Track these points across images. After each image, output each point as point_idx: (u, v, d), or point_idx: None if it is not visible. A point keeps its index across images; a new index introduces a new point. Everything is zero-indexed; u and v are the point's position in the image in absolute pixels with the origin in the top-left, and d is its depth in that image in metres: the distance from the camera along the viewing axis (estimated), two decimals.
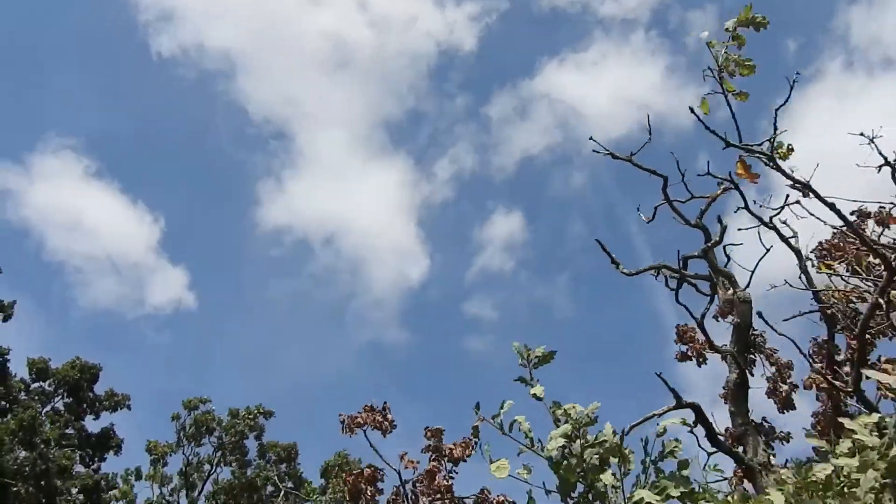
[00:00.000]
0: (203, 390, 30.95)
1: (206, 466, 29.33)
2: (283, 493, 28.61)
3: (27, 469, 18.42)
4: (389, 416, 8.01)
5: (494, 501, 7.73)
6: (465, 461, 7.69)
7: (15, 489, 18.06)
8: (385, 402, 8.15)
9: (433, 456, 7.72)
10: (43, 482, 19.08)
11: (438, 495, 7.44)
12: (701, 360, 12.98)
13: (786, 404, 12.82)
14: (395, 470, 7.65)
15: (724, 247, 13.76)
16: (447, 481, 7.45)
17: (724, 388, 12.23)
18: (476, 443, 8.18)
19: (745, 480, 11.74)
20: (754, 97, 7.79)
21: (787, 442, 12.39)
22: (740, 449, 11.82)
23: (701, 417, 11.64)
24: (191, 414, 28.95)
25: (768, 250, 12.96)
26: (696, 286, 15.79)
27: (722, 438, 11.81)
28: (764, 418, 12.65)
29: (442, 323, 79.05)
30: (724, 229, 13.09)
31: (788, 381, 12.97)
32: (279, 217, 76.43)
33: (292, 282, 74.22)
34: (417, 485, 7.59)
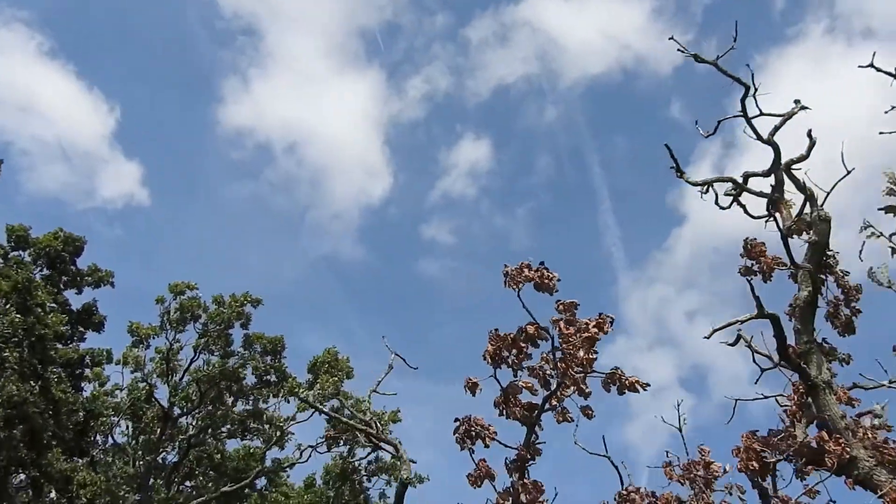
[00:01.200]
0: (151, 290, 29.70)
1: (189, 353, 28.82)
2: (268, 384, 28.38)
3: (22, 333, 17.63)
4: (554, 276, 7.57)
5: (627, 381, 7.43)
6: (599, 338, 7.32)
7: (6, 353, 17.30)
8: (542, 263, 7.66)
9: (567, 330, 7.32)
10: (37, 348, 18.35)
11: (580, 367, 7.10)
12: (768, 275, 12.74)
13: (847, 328, 12.73)
14: (549, 335, 7.21)
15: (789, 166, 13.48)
16: (590, 355, 7.10)
17: (790, 305, 12.10)
18: (612, 321, 7.88)
19: (806, 398, 11.76)
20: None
21: (848, 363, 12.36)
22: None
23: (778, 330, 11.54)
24: (176, 299, 28.19)
25: (849, 172, 12.62)
26: (745, 207, 15.60)
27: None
28: (825, 339, 12.56)
29: (399, 243, 78.44)
30: (812, 144, 12.73)
31: (853, 305, 12.85)
32: (242, 118, 73.51)
33: (251, 186, 72.26)
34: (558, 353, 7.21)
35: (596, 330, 7.31)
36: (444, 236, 75.13)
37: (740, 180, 14.71)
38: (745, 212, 15.71)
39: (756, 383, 12.94)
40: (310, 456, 29.42)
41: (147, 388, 28.66)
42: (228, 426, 30.07)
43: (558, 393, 7.29)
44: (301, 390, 28.34)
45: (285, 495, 31.67)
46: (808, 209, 12.84)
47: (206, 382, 28.38)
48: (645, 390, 7.76)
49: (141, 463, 28.72)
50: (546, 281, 7.50)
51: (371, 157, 75.38)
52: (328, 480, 31.43)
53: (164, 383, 29.00)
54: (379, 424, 7.49)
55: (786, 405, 12.16)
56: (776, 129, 14.17)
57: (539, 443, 7.43)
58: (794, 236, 12.97)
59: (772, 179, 13.86)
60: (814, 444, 11.28)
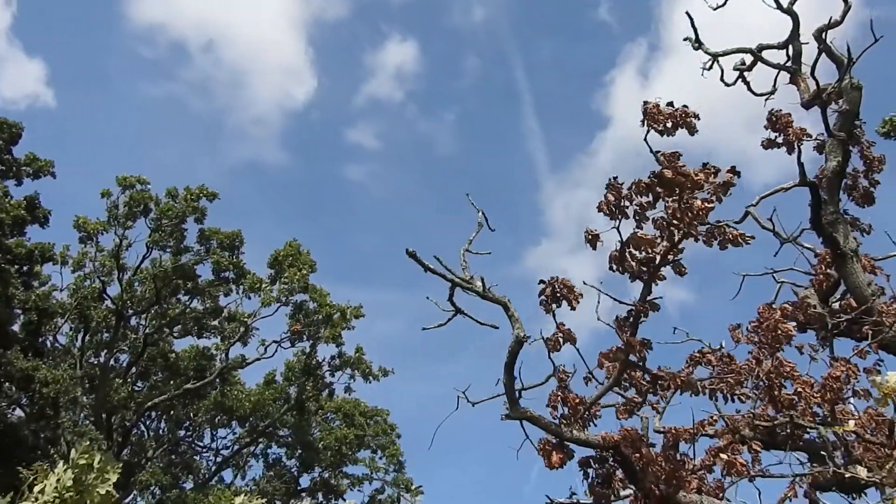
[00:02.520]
0: (61, 199, 27.63)
1: (140, 250, 27.55)
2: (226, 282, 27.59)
3: None
4: (695, 113, 7.25)
5: (731, 235, 7.32)
6: (734, 184, 7.16)
7: None
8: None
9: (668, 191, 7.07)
10: None
11: (695, 217, 6.91)
12: (792, 147, 12.72)
13: (865, 199, 13.00)
14: (687, 182, 6.91)
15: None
16: (707, 204, 6.90)
17: (817, 175, 12.21)
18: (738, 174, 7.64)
19: (831, 267, 12.07)
20: None
21: (869, 233, 12.67)
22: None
23: (815, 199, 11.65)
24: (125, 192, 26.62)
25: (877, 40, 12.54)
26: (749, 84, 15.56)
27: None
28: (845, 210, 12.79)
29: (322, 147, 76.38)
30: (848, 9, 12.58)
31: (871, 176, 13.10)
32: (153, 13, 68.23)
33: (166, 87, 68.03)
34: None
35: (730, 175, 7.11)
36: (368, 141, 73.67)
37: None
38: (749, 88, 15.69)
39: (775, 256, 13.17)
40: (275, 352, 29.20)
41: (97, 286, 27.41)
42: (183, 325, 29.37)
43: (677, 246, 7.12)
44: (263, 285, 27.72)
45: (240, 393, 31.56)
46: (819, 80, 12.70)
47: (160, 280, 27.31)
48: (748, 244, 7.68)
49: (89, 363, 27.85)
50: (688, 118, 7.18)
51: (293, 58, 72.10)
52: (289, 376, 31.36)
53: (115, 282, 27.79)
54: (484, 283, 7.17)
55: (801, 286, 12.40)
56: None
57: (656, 298, 7.31)
58: (817, 107, 12.94)
59: (788, 51, 13.83)
60: (839, 312, 11.67)
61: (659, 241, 7.19)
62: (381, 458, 33.55)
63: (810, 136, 12.86)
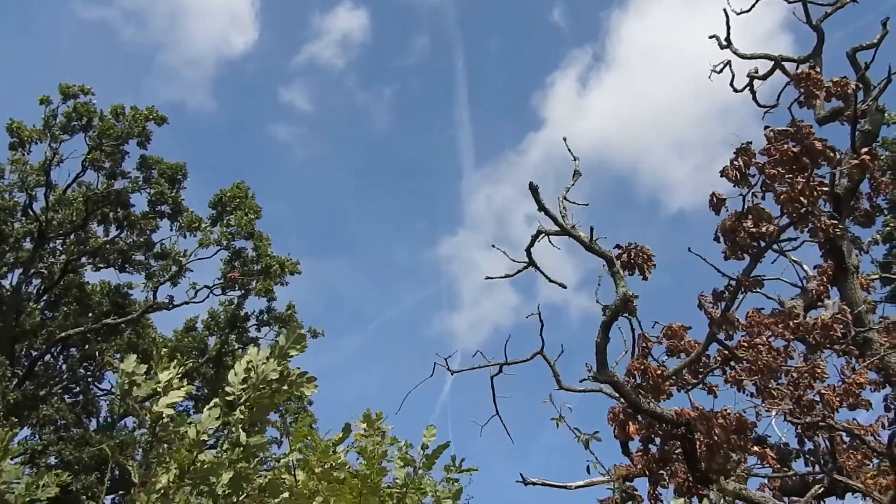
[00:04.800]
0: None
1: (75, 167, 25.92)
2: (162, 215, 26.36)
3: None
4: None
5: (823, 225, 7.40)
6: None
7: None
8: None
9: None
10: None
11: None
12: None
13: (867, 220, 13.58)
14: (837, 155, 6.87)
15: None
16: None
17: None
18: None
19: (831, 281, 12.55)
20: None
21: (867, 252, 13.26)
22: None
23: (836, 210, 12.03)
24: (66, 103, 24.94)
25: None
26: (755, 94, 16.10)
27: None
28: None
29: (253, 102, 74.27)
30: (885, 34, 13.04)
31: (875, 201, 13.70)
32: None
33: (100, 11, 64.26)
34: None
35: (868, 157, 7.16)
36: (301, 103, 72.01)
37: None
38: (754, 98, 16.17)
39: (773, 263, 13.58)
40: (206, 297, 28.24)
41: (19, 201, 25.64)
42: (104, 255, 27.87)
43: (797, 225, 7.16)
44: (203, 226, 26.64)
45: (158, 337, 30.34)
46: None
47: (91, 203, 25.81)
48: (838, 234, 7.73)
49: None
50: (847, 91, 7.17)
51: (239, 4, 69.54)
52: (211, 325, 30.30)
53: (41, 198, 26.06)
54: (592, 232, 6.99)
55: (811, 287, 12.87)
56: (826, 15, 14.51)
57: (760, 277, 7.33)
58: (846, 123, 13.37)
59: (805, 67, 14.29)
60: (830, 323, 12.14)
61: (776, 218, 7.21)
62: (291, 423, 33.06)
63: (832, 149, 13.28)
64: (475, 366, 9.57)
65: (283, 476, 4.01)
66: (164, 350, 4.38)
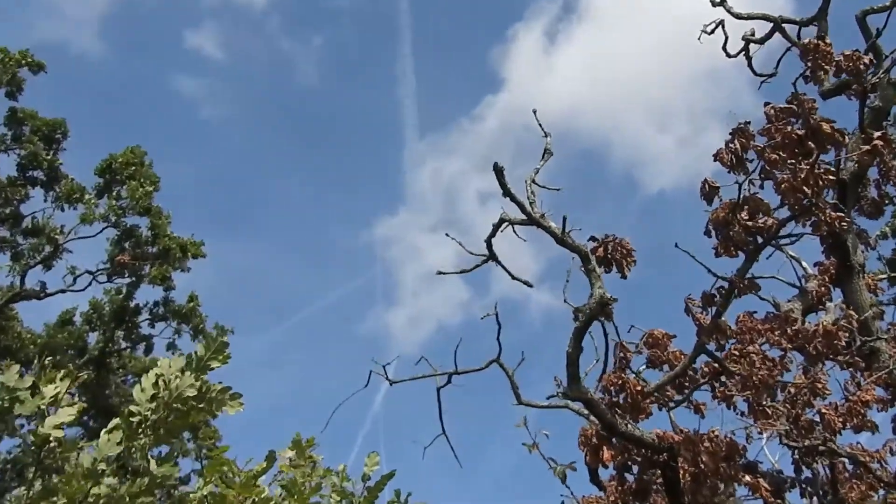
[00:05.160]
0: None
1: None
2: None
3: None
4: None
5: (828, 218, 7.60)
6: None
7: None
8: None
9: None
10: None
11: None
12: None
13: (875, 210, 13.99)
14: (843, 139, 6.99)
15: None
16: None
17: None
18: None
19: (833, 281, 12.88)
20: None
21: (874, 248, 13.68)
22: None
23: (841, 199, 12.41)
24: None
25: None
26: (751, 60, 16.60)
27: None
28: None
29: (152, 46, 72.14)
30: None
31: (883, 189, 14.12)
32: None
33: None
34: None
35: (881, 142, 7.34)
36: (211, 50, 70.50)
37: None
38: (749, 65, 16.59)
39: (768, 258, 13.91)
40: (88, 285, 27.83)
41: None
42: None
43: (799, 218, 7.30)
44: (87, 198, 25.95)
45: (23, 332, 29.54)
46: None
47: None
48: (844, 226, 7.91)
49: None
50: (860, 66, 7.32)
51: None
52: (93, 319, 29.64)
53: None
54: (565, 223, 6.96)
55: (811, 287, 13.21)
56: None
57: (756, 277, 7.47)
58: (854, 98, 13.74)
59: (811, 30, 14.61)
60: (833, 330, 12.54)
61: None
62: (190, 441, 32.63)
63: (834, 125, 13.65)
64: (419, 375, 9.65)
65: None
66: (33, 348, 4.21)
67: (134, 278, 28.38)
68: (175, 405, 3.56)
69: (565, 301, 8.43)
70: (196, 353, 3.68)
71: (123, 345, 29.73)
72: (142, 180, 26.27)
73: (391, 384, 9.84)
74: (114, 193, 26.45)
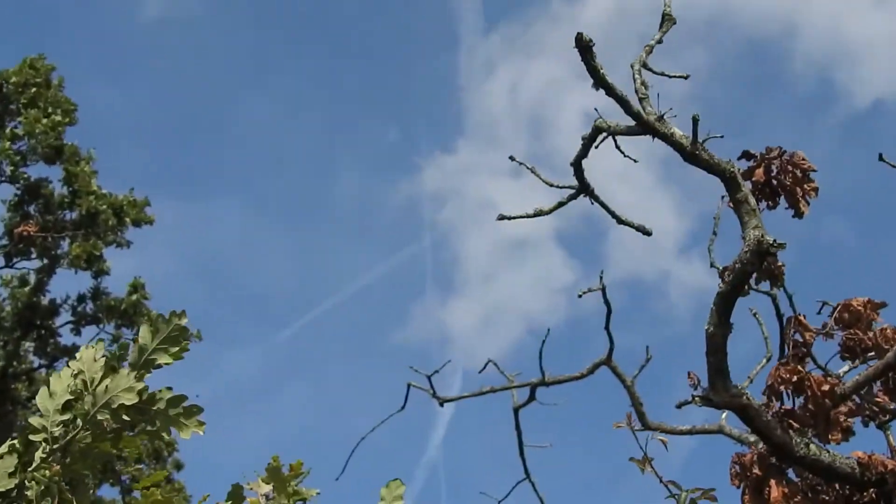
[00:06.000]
0: None
1: None
2: None
3: None
4: None
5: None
6: None
7: None
8: None
9: None
10: None
11: None
12: None
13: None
14: None
15: None
16: None
17: None
18: None
19: None
20: None
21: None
22: None
23: None
24: None
25: None
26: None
27: None
28: None
29: None
30: None
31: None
32: None
33: None
34: None
35: None
36: None
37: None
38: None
39: None
40: None
41: None
42: None
43: None
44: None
45: None
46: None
47: None
48: None
49: None
50: None
51: None
52: None
53: None
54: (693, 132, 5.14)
55: None
56: None
57: None
58: None
59: None
60: None
61: None
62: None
63: None
64: (482, 389, 9.50)
65: None
66: None
67: (46, 260, 23.13)
68: (101, 418, 2.85)
69: (712, 265, 6.89)
70: (136, 340, 2.92)
71: (35, 362, 24.16)
72: (49, 107, 21.22)
73: (441, 403, 9.70)
74: (6, 131, 20.99)
